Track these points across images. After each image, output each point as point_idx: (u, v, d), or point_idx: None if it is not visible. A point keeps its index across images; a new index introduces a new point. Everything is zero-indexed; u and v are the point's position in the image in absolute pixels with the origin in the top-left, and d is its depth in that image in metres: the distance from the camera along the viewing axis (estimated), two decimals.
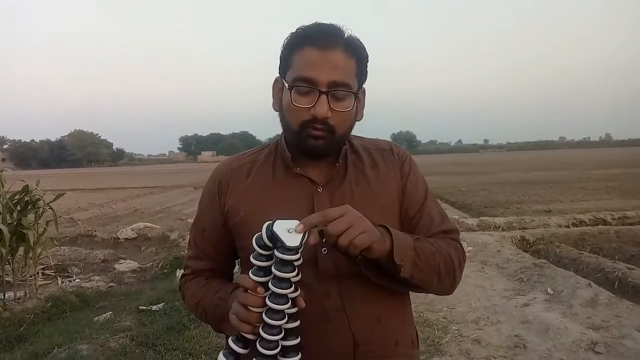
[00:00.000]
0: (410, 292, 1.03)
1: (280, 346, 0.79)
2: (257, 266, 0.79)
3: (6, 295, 4.23)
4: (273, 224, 0.77)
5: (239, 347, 0.80)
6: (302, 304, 0.81)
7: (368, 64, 0.97)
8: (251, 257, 0.80)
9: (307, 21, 0.95)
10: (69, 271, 5.72)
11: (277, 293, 0.77)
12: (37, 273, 5.01)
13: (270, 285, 0.77)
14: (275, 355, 0.78)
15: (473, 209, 10.68)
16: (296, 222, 0.77)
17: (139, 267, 6.06)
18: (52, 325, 3.97)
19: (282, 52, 0.96)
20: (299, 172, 0.99)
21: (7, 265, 4.33)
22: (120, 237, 7.62)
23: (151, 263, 6.15)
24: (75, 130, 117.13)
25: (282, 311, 0.77)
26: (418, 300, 4.05)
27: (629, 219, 7.83)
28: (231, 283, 1.02)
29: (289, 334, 0.80)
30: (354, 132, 1.04)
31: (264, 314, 0.77)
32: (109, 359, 3.01)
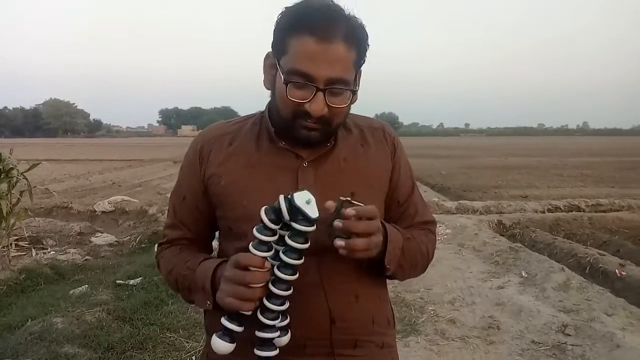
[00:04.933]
0: None
1: (280, 317, 0.81)
2: (260, 240, 0.78)
3: None
4: (292, 196, 0.76)
5: (235, 325, 0.79)
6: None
7: (368, 43, 0.91)
8: (255, 231, 0.78)
9: None
10: (44, 243, 5.60)
11: (288, 264, 0.78)
12: (10, 244, 4.89)
13: (282, 256, 0.78)
14: (274, 326, 0.80)
15: (452, 192, 10.83)
16: (308, 193, 0.77)
17: (116, 241, 5.97)
18: (26, 297, 3.90)
19: (275, 30, 0.89)
20: (283, 146, 0.95)
21: None
22: (97, 210, 7.47)
23: (129, 237, 6.06)
24: (51, 98, 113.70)
25: (289, 282, 0.79)
26: (396, 281, 4.10)
27: (602, 206, 8.05)
28: (201, 253, 0.99)
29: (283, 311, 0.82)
30: None
31: (271, 285, 0.78)
32: (85, 333, 2.98)
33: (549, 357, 2.90)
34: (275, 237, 0.78)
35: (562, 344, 3.01)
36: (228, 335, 0.80)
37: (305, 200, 0.76)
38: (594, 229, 6.66)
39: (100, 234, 6.29)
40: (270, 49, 0.93)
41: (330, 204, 0.81)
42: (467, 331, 3.30)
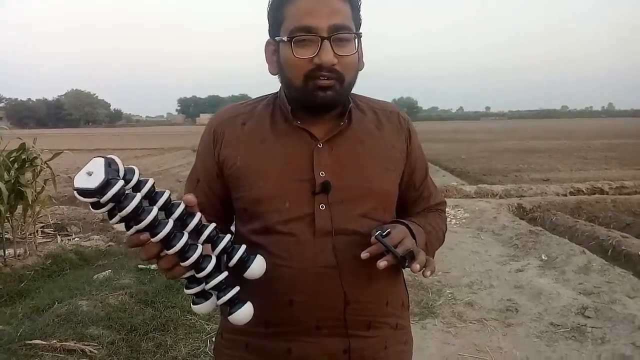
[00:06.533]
0: None
1: (193, 253, 0.75)
2: (120, 218, 0.73)
3: (6, 252, 4.27)
4: (73, 181, 0.70)
5: (194, 287, 0.80)
6: (191, 200, 0.78)
7: (361, 6, 0.93)
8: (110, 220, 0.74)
9: None
10: (68, 230, 5.75)
11: (142, 229, 0.72)
12: (37, 231, 5.04)
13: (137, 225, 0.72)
14: (191, 264, 0.76)
15: (472, 176, 10.70)
16: (98, 160, 0.71)
17: None
18: (52, 281, 4.02)
19: (269, 10, 0.92)
20: (299, 125, 0.95)
21: (7, 223, 4.35)
22: None
23: None
24: (72, 89, 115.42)
25: (158, 235, 0.72)
26: None
27: (626, 188, 7.87)
28: None
29: (204, 260, 0.77)
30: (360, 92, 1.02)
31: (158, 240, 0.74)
32: (109, 315, 3.07)
33: (568, 339, 2.88)
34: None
35: (582, 326, 2.98)
36: (197, 295, 0.81)
37: (86, 171, 0.70)
38: (618, 211, 6.52)
39: None
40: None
41: (373, 240, 0.84)
42: (485, 314, 3.30)
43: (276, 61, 0.94)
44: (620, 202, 6.88)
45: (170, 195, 0.77)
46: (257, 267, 0.81)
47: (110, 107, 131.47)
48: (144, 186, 0.74)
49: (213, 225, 0.79)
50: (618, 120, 67.43)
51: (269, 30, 0.94)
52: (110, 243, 5.30)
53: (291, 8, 0.88)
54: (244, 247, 0.81)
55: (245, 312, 0.80)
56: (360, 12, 0.93)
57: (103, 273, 4.03)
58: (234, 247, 0.80)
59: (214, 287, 0.79)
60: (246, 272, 0.80)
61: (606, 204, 6.85)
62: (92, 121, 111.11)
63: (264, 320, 0.92)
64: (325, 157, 0.93)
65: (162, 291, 3.53)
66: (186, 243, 0.75)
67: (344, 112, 0.96)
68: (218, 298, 0.80)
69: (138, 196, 0.71)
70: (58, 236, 5.39)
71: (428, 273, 0.86)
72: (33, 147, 4.48)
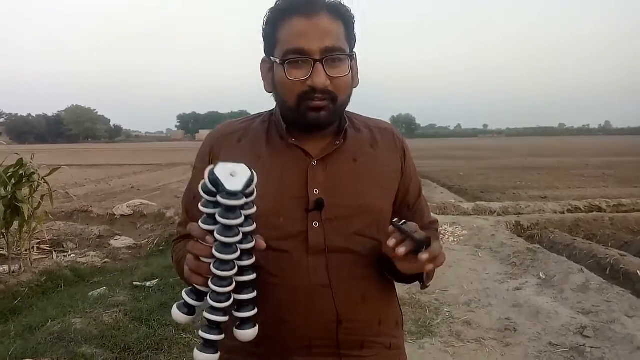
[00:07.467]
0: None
1: (232, 299, 0.74)
2: (207, 214, 0.74)
3: (1, 269, 4.24)
4: (215, 166, 0.71)
5: (192, 299, 0.76)
6: (262, 244, 0.76)
7: (355, 24, 0.93)
8: (199, 205, 0.74)
9: None
10: (64, 246, 5.72)
11: (222, 242, 0.71)
12: (32, 247, 5.01)
13: (215, 233, 0.72)
14: (225, 309, 0.74)
15: (469, 193, 10.72)
16: (241, 165, 0.72)
17: (134, 244, 6.07)
18: (47, 299, 3.99)
19: (264, 30, 0.93)
20: (293, 143, 0.95)
21: (2, 239, 4.34)
22: (116, 213, 7.60)
23: (146, 240, 6.16)
24: (73, 105, 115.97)
25: (231, 261, 0.72)
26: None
27: (624, 206, 7.87)
28: None
29: (244, 287, 0.76)
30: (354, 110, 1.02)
31: (211, 265, 0.72)
32: (102, 333, 3.03)
33: (567, 359, 2.85)
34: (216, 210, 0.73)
35: (581, 346, 2.95)
36: (186, 307, 0.77)
37: (229, 172, 0.71)
38: (615, 229, 6.51)
39: (119, 237, 6.40)
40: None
41: (391, 228, 0.80)
42: (483, 333, 3.26)
43: (271, 79, 0.95)
44: (618, 220, 6.87)
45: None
46: (250, 333, 0.78)
47: (110, 123, 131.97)
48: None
49: (254, 276, 0.77)
50: (615, 138, 67.83)
51: (264, 48, 0.95)
52: (106, 259, 5.28)
53: (284, 30, 0.89)
54: (255, 311, 0.79)
55: (252, 333, 0.79)
56: (355, 30, 0.94)
57: (98, 290, 4.00)
58: (249, 305, 0.78)
59: (238, 301, 0.77)
60: (238, 331, 0.78)
61: (604, 222, 6.84)
62: (92, 137, 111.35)
63: (255, 339, 0.91)
64: (320, 174, 0.93)
65: (157, 309, 3.49)
66: (231, 278, 0.74)
67: (339, 130, 0.97)
68: (237, 311, 0.78)
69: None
70: (54, 252, 5.36)
71: (438, 262, 0.81)
72: (31, 162, 4.49)
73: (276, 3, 0.90)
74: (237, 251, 0.72)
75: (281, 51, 0.89)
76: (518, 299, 3.80)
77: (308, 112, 0.89)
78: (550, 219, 7.01)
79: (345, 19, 0.91)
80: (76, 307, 3.56)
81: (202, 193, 0.73)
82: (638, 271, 4.17)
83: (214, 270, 0.72)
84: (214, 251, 0.72)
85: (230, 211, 0.71)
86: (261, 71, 0.97)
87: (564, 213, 7.53)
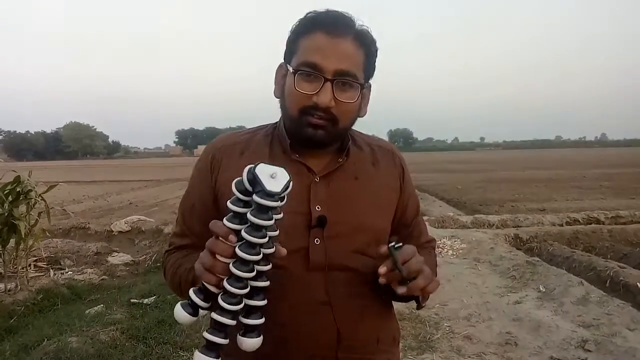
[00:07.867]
0: None
1: (243, 304, 0.73)
2: (234, 212, 0.72)
3: None
4: (256, 166, 0.71)
5: (199, 298, 0.74)
6: (283, 251, 0.75)
7: (377, 59, 0.94)
8: (228, 203, 0.73)
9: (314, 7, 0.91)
10: (62, 263, 5.68)
11: (250, 242, 0.70)
12: (29, 265, 4.98)
13: (243, 233, 0.70)
14: (236, 312, 0.72)
15: (468, 206, 10.71)
16: (282, 169, 0.73)
17: (132, 261, 6.04)
18: (43, 317, 3.94)
19: (289, 37, 0.93)
20: (296, 159, 0.95)
21: None
22: (113, 230, 7.57)
23: (144, 256, 6.12)
24: (71, 122, 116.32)
25: (252, 263, 0.71)
26: None
27: (622, 218, 7.86)
28: None
29: (256, 293, 0.74)
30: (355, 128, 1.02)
31: (231, 265, 0.71)
32: (99, 352, 2.99)
33: None
34: (246, 210, 0.72)
35: (583, 359, 2.92)
36: (191, 307, 0.75)
37: (269, 173, 0.70)
38: (614, 241, 6.51)
39: (117, 253, 6.36)
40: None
41: (385, 250, 0.81)
42: (484, 347, 3.23)
43: (282, 85, 0.95)
44: (616, 232, 6.87)
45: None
46: (254, 342, 0.77)
47: (109, 139, 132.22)
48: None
49: (267, 283, 0.76)
50: (611, 150, 68.15)
51: (284, 54, 0.95)
52: (103, 277, 5.24)
53: (306, 41, 0.89)
54: (263, 320, 0.77)
55: (256, 342, 0.77)
56: (375, 62, 0.94)
57: (95, 308, 3.96)
58: (258, 312, 0.77)
59: (248, 308, 0.75)
60: (242, 338, 0.77)
61: (602, 234, 6.84)
62: (90, 153, 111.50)
63: (254, 357, 0.90)
64: (322, 191, 0.93)
65: (154, 326, 3.46)
66: (247, 280, 0.73)
67: (342, 147, 0.97)
68: (245, 317, 0.76)
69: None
70: (51, 270, 5.32)
71: (428, 291, 0.84)
72: (28, 179, 4.48)
73: (308, 14, 0.90)
74: (260, 253, 0.72)
75: (297, 61, 0.89)
76: (518, 313, 3.78)
77: (306, 126, 0.90)
78: (548, 232, 7.01)
79: (368, 48, 0.91)
80: (72, 325, 3.52)
81: (235, 191, 0.72)
82: (638, 283, 4.16)
83: (233, 270, 0.71)
84: (237, 250, 0.71)
85: (263, 211, 0.70)
86: (276, 75, 0.97)
87: (562, 225, 7.52)
